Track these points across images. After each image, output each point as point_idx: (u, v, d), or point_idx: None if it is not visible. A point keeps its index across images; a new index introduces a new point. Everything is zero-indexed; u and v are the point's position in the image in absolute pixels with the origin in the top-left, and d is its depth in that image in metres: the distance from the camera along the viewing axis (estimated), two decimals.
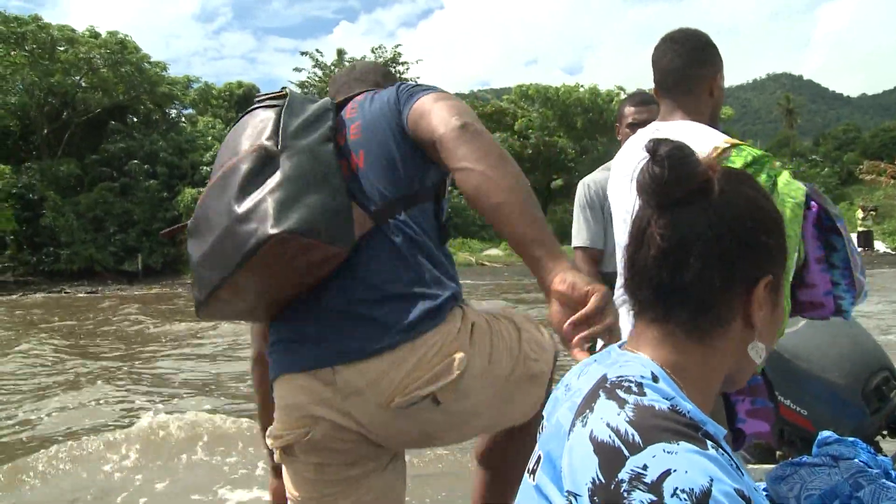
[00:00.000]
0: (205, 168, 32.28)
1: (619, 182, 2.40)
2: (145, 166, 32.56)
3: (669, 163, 0.94)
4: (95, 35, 34.56)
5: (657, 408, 0.86)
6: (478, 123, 1.49)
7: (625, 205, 2.31)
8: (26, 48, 32.85)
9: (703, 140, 2.07)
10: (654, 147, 0.96)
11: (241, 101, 46.07)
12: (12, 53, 32.78)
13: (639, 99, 3.17)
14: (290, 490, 1.61)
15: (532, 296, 17.08)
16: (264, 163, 1.45)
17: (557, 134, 38.28)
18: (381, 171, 1.57)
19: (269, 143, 1.47)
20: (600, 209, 3.17)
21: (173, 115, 39.56)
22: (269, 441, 1.58)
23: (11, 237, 31.12)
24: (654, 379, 0.92)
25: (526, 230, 1.36)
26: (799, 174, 43.76)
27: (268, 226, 1.35)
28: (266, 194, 1.40)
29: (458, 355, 1.47)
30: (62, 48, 33.32)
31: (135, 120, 35.15)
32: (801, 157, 52.42)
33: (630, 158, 2.35)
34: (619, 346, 1.06)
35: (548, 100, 38.45)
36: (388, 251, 1.52)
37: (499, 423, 1.66)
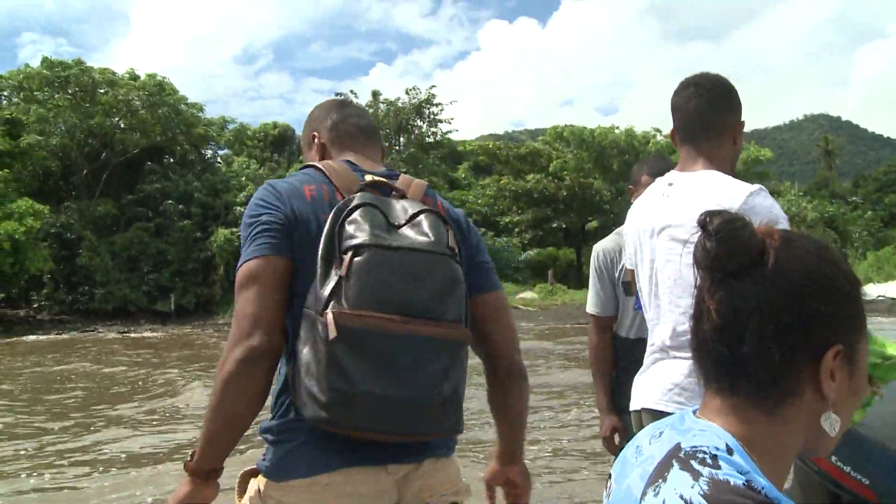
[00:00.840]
0: (238, 208, 32.54)
1: (633, 234, 2.32)
2: (180, 206, 32.93)
3: (720, 236, 0.93)
4: (135, 77, 35.28)
5: (732, 483, 0.84)
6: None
7: (639, 256, 2.26)
8: (69, 91, 33.65)
9: (727, 191, 1.98)
10: (706, 220, 0.96)
11: (276, 141, 46.71)
12: (56, 97, 33.61)
13: (658, 168, 3.11)
14: None
15: (568, 338, 16.84)
16: (461, 348, 1.63)
17: (593, 175, 38.13)
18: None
19: (467, 332, 1.65)
20: (609, 278, 3.23)
21: (209, 156, 40.11)
22: None
23: (48, 276, 31.53)
24: (729, 451, 0.90)
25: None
26: (840, 217, 43.17)
27: (459, 426, 1.65)
28: (459, 383, 1.63)
29: (465, 482, 1.74)
30: (103, 91, 34.03)
31: (171, 160, 35.62)
32: (840, 199, 51.70)
33: (646, 211, 2.25)
34: (694, 413, 1.03)
35: (583, 141, 38.38)
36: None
37: None
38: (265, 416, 1.65)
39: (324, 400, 1.46)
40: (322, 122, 1.95)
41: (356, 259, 1.48)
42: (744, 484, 0.84)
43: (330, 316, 1.44)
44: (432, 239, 1.56)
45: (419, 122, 35.28)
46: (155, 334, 26.16)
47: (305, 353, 1.50)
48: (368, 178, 1.71)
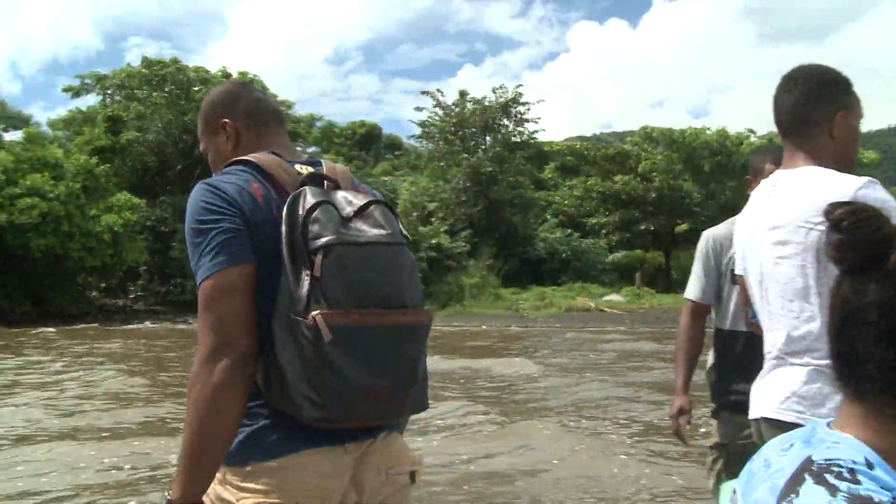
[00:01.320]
0: None
1: (740, 237, 2.26)
2: None
3: (843, 227, 0.91)
4: (227, 75, 36.31)
5: (876, 499, 0.79)
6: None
7: (748, 261, 2.19)
8: (165, 89, 34.92)
9: (833, 186, 1.90)
10: (830, 210, 0.94)
11: (363, 139, 47.39)
12: (154, 95, 34.97)
13: (780, 156, 3.02)
14: None
15: (659, 345, 16.56)
16: (426, 331, 1.73)
17: (683, 177, 37.33)
18: None
19: (430, 314, 1.75)
20: (716, 265, 3.17)
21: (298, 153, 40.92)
22: None
23: (144, 268, 32.73)
24: (869, 466, 0.85)
25: None
26: None
27: (425, 405, 1.75)
28: (424, 364, 1.73)
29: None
30: (196, 88, 35.15)
31: None
32: None
33: (752, 212, 2.19)
34: (828, 424, 0.98)
35: (673, 142, 37.60)
36: None
37: None
38: None
39: (320, 400, 1.50)
40: (231, 107, 1.90)
41: (326, 259, 1.50)
42: (891, 501, 0.80)
43: (320, 318, 1.47)
44: (389, 231, 1.61)
45: (505, 122, 35.20)
46: None
47: (287, 355, 1.51)
48: (301, 169, 1.72)
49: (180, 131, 36.05)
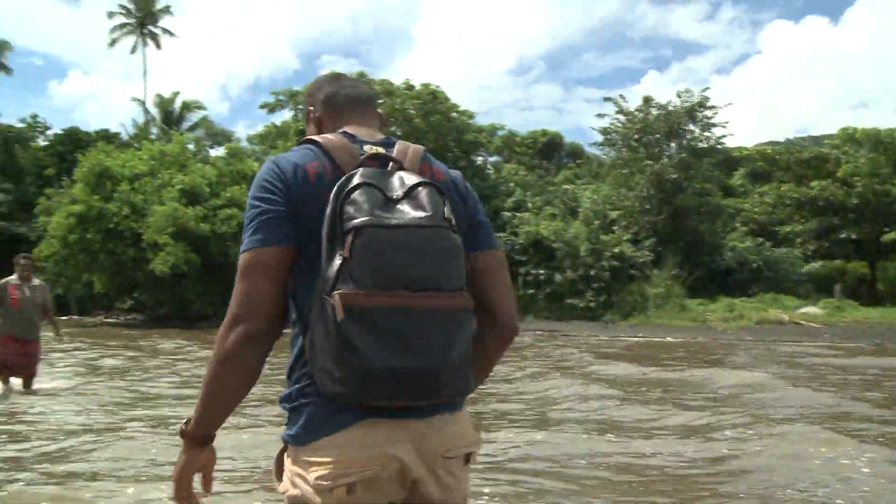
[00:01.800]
0: (505, 214, 33.48)
1: None
2: None
3: None
4: (410, 87, 37.50)
5: None
6: None
7: None
8: None
9: None
10: None
11: (545, 148, 47.42)
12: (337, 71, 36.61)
13: None
14: None
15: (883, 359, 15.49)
16: (466, 316, 1.72)
17: (891, 181, 34.63)
18: None
19: (469, 300, 1.73)
20: None
21: (479, 162, 41.60)
22: (325, 482, 1.64)
23: None
24: None
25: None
26: None
27: (468, 388, 1.76)
28: (466, 348, 1.72)
29: (479, 433, 1.85)
30: (381, 101, 36.50)
31: None
32: None
33: None
34: None
35: (879, 143, 34.98)
36: None
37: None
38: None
39: (339, 376, 1.56)
40: (316, 97, 2.01)
41: (357, 240, 1.56)
42: None
43: (337, 297, 1.54)
44: (429, 213, 1.63)
45: (691, 127, 34.08)
46: None
47: (318, 331, 1.60)
48: (368, 149, 1.78)
49: None
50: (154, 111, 55.98)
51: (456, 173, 1.95)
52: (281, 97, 39.39)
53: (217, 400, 1.72)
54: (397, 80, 38.03)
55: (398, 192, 1.65)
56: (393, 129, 37.12)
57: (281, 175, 1.72)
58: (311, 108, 2.02)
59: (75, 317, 36.36)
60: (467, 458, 1.80)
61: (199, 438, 1.78)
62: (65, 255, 30.83)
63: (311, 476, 1.65)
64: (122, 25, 57.33)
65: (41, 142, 50.14)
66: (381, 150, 1.79)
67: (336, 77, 2.07)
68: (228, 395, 1.72)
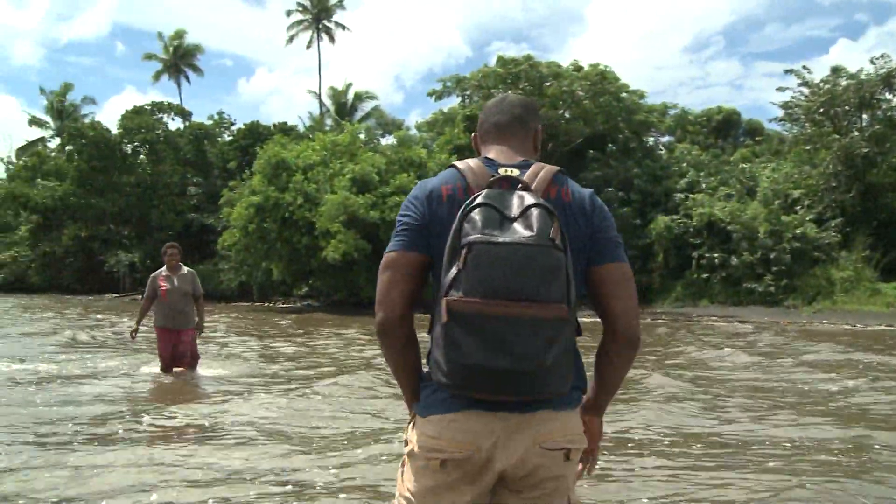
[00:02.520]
0: (677, 195, 32.36)
1: None
2: (620, 193, 33.64)
3: None
4: (578, 69, 36.95)
5: None
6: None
7: None
8: (520, 87, 36.50)
9: None
10: None
11: (720, 126, 45.39)
12: (508, 93, 36.78)
13: None
14: (407, 488, 2.09)
15: None
16: (562, 325, 1.90)
17: None
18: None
19: (566, 311, 1.89)
20: None
21: (650, 143, 40.44)
22: (425, 452, 2.02)
23: None
24: None
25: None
26: None
27: (561, 387, 1.95)
28: (561, 354, 1.89)
29: (584, 438, 2.11)
30: (548, 84, 36.24)
31: (613, 148, 36.62)
32: None
33: None
34: None
35: None
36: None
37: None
38: None
39: (445, 369, 1.87)
40: (479, 122, 2.35)
41: (469, 254, 1.84)
42: None
43: (443, 302, 1.85)
44: (535, 232, 1.86)
45: (888, 96, 31.43)
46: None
47: (436, 329, 1.92)
48: (502, 171, 2.06)
49: None
50: (328, 103, 58.44)
51: (586, 192, 2.14)
52: (448, 84, 39.88)
53: (392, 367, 2.17)
54: (568, 63, 37.55)
55: (515, 212, 1.91)
56: (561, 111, 36.83)
57: (420, 196, 2.10)
58: (474, 133, 2.37)
59: (256, 303, 38.66)
60: (567, 456, 2.03)
61: (410, 403, 2.21)
62: (245, 244, 32.85)
63: (419, 443, 2.04)
64: (299, 22, 60.03)
65: (227, 137, 53.52)
66: (514, 171, 2.06)
67: (496, 103, 2.35)
68: (392, 362, 2.15)
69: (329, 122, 53.88)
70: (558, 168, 2.11)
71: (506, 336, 1.81)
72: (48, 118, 65.83)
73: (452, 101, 41.18)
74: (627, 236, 32.65)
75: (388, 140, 45.83)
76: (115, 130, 50.01)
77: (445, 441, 1.99)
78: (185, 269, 10.04)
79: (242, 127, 51.40)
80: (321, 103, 58.27)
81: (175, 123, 54.64)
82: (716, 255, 29.53)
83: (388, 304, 2.04)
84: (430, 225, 2.05)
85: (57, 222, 51.98)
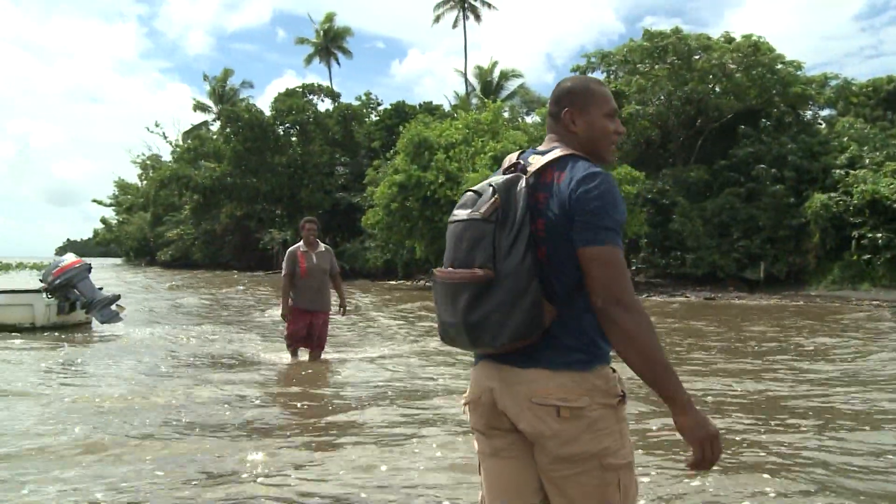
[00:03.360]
0: (837, 172, 30.54)
1: None
2: (773, 170, 32.06)
3: None
4: (730, 40, 35.41)
5: None
6: (631, 299, 2.11)
7: None
8: (667, 60, 35.44)
9: None
10: None
11: (890, 97, 42.37)
12: (656, 67, 35.85)
13: None
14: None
15: None
16: (486, 286, 2.13)
17: None
18: (560, 267, 2.17)
19: (488, 272, 2.13)
20: None
21: (808, 116, 38.30)
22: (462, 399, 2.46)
23: (645, 240, 33.81)
24: None
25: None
26: None
27: (496, 342, 2.15)
28: (490, 312, 2.13)
29: (585, 399, 2.17)
30: (697, 57, 34.96)
31: (767, 123, 34.94)
32: None
33: None
34: None
35: None
36: (565, 323, 2.19)
37: (573, 466, 2.19)
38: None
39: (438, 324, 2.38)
40: None
41: None
42: None
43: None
44: (470, 209, 2.22)
45: None
46: (743, 301, 26.17)
47: None
48: (531, 159, 2.29)
49: (682, 102, 36.31)
50: (474, 82, 58.70)
51: (577, 176, 2.17)
52: (593, 59, 39.19)
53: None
54: (719, 35, 36.05)
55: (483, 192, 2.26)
56: (711, 85, 35.48)
57: None
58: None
59: (401, 281, 39.59)
60: (559, 412, 2.17)
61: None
62: (388, 223, 33.54)
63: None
64: (445, 1, 60.44)
65: (374, 117, 54.84)
66: (534, 158, 2.29)
67: (553, 93, 2.50)
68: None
69: (475, 101, 54.11)
70: (567, 153, 2.25)
71: (447, 296, 2.23)
72: (211, 103, 69.72)
73: (598, 78, 40.44)
74: (780, 215, 31.19)
75: (533, 118, 45.63)
76: (268, 113, 52.29)
77: (469, 388, 2.40)
78: (323, 246, 9.47)
79: (389, 107, 52.51)
80: (467, 82, 58.62)
81: (325, 105, 56.57)
82: (879, 234, 27.71)
83: None
84: None
85: (215, 201, 55.09)
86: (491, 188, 2.19)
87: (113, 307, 12.82)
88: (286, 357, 9.72)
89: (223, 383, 8.04)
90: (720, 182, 34.27)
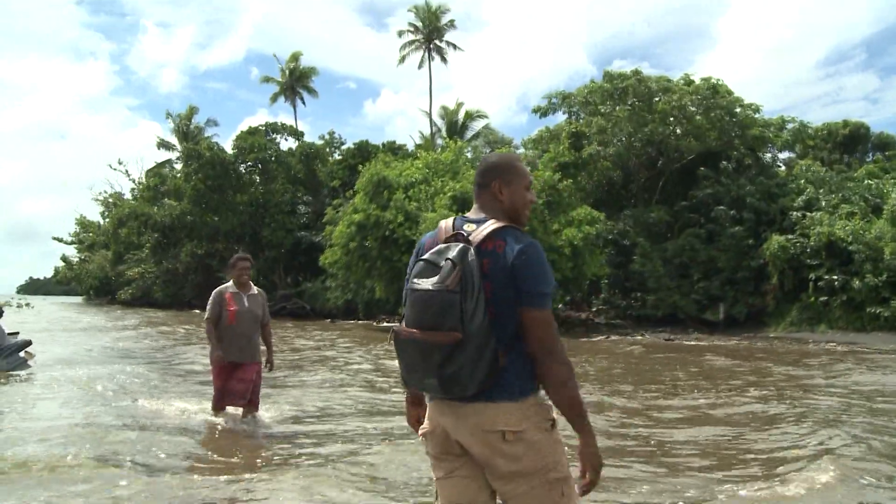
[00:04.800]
0: (794, 213, 30.74)
1: None
2: (731, 212, 32.23)
3: None
4: (689, 82, 35.78)
5: None
6: (561, 351, 2.70)
7: None
8: (628, 102, 35.67)
9: None
10: None
11: (846, 141, 43.05)
12: (616, 108, 36.07)
13: None
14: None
15: None
16: (457, 346, 2.56)
17: None
18: (505, 322, 2.67)
19: (457, 334, 2.56)
20: None
21: (767, 159, 38.66)
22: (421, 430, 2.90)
23: (605, 281, 33.70)
24: None
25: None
26: None
27: (466, 391, 2.63)
28: (462, 366, 2.58)
29: (525, 423, 2.69)
30: (657, 99, 35.22)
31: (727, 165, 35.18)
32: None
33: None
34: None
35: None
36: (506, 366, 2.68)
37: (523, 482, 2.71)
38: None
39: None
40: None
41: (406, 296, 2.73)
42: None
43: (392, 328, 2.74)
44: (437, 280, 2.60)
45: None
46: (700, 343, 26.00)
47: None
48: (467, 227, 2.79)
49: (643, 143, 36.50)
50: (440, 122, 58.81)
51: (517, 247, 2.69)
52: (553, 100, 39.38)
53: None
54: (697, 80, 36.29)
55: (441, 262, 2.64)
56: (672, 126, 35.72)
57: (418, 245, 2.93)
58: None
59: (361, 321, 39.08)
60: (503, 436, 2.66)
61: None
62: (347, 263, 33.07)
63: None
64: (411, 42, 60.64)
65: (337, 156, 54.63)
66: (471, 227, 2.78)
67: (480, 166, 3.01)
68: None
69: (440, 141, 54.13)
70: (502, 225, 2.75)
71: (413, 353, 2.64)
72: (175, 141, 69.04)
73: (559, 118, 40.68)
74: (739, 257, 31.29)
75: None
76: (230, 151, 51.91)
77: (425, 422, 2.88)
78: (256, 289, 8.37)
79: (352, 146, 52.35)
80: (431, 122, 58.71)
81: (288, 143, 56.28)
82: (836, 277, 27.81)
83: None
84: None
85: (175, 240, 54.34)
86: (450, 262, 2.61)
87: (21, 354, 12.48)
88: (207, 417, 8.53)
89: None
90: (681, 223, 34.41)
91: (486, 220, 2.76)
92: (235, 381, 8.10)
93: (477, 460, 2.73)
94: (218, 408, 8.36)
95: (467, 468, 2.77)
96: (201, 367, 13.98)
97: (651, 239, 33.85)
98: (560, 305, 34.56)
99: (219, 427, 8.17)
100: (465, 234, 2.70)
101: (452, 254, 2.61)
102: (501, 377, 2.64)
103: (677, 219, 34.66)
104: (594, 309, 34.88)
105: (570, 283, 31.37)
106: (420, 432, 2.89)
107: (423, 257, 2.69)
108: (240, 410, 8.36)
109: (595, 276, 30.94)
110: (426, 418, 2.86)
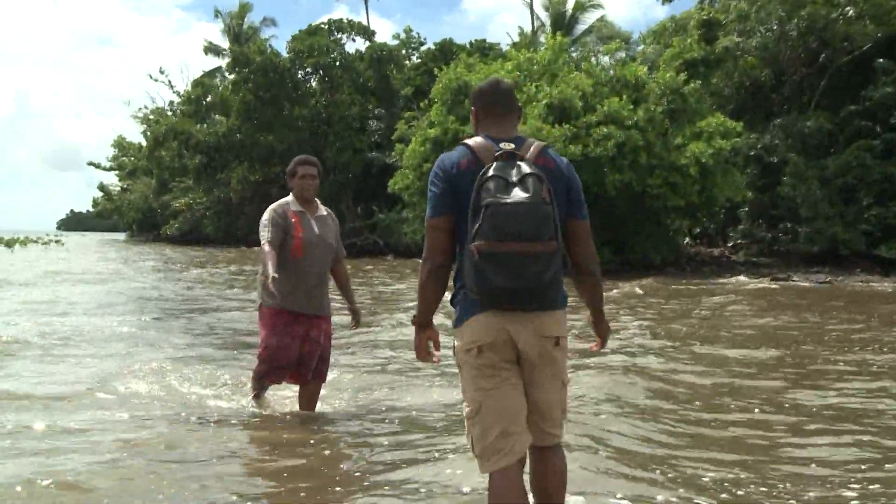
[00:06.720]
0: None
1: None
2: None
3: None
4: None
5: None
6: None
7: None
8: None
9: None
10: None
11: None
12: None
13: None
14: (471, 388, 3.61)
15: None
16: (553, 254, 3.40)
17: None
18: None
19: (556, 245, 3.42)
20: None
21: None
22: (464, 346, 3.61)
23: (745, 209, 31.96)
24: None
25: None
26: None
27: (555, 299, 3.62)
28: (555, 274, 3.46)
29: (565, 331, 3.67)
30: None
31: None
32: None
33: None
34: None
35: None
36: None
37: (554, 388, 3.70)
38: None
39: (477, 290, 3.42)
40: (477, 100, 3.87)
41: (486, 212, 3.34)
42: None
43: (473, 246, 3.35)
44: (530, 194, 3.36)
45: None
46: (871, 287, 24.17)
47: (466, 264, 3.46)
48: (504, 146, 3.56)
49: (799, 31, 34.08)
50: (543, 15, 56.93)
51: (563, 161, 3.77)
52: None
53: (423, 302, 3.72)
54: None
55: (515, 178, 3.40)
56: (839, 10, 33.21)
57: (443, 168, 3.64)
58: (473, 108, 3.88)
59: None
60: (557, 342, 3.60)
61: (421, 324, 3.79)
62: (420, 188, 32.18)
63: (462, 345, 3.61)
64: None
65: (415, 59, 53.63)
66: (510, 146, 3.56)
67: (490, 83, 3.90)
68: (429, 299, 3.72)
69: (543, 39, 52.41)
70: (544, 143, 3.72)
71: (518, 265, 3.33)
72: (226, 44, 69.00)
73: (688, 4, 38.60)
74: None
75: (606, 60, 43.81)
76: (285, 54, 51.47)
77: (478, 334, 3.55)
78: (324, 209, 6.80)
79: (432, 47, 51.21)
80: (533, 16, 56.85)
81: (356, 45, 55.51)
82: None
83: (433, 256, 3.62)
84: (457, 187, 3.56)
85: (223, 163, 54.66)
86: (535, 176, 3.41)
87: None
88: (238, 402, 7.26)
89: None
90: (848, 133, 32.09)
91: (523, 140, 3.67)
92: (296, 341, 6.56)
93: (528, 366, 3.59)
94: (264, 385, 6.91)
95: (516, 376, 3.58)
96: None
97: (807, 154, 31.70)
98: (687, 240, 33.08)
99: (265, 427, 6.67)
100: (519, 154, 3.54)
101: (529, 169, 3.43)
102: (559, 286, 3.58)
103: (843, 128, 32.31)
104: (730, 244, 33.28)
105: (699, 212, 29.85)
106: (475, 345, 3.55)
107: (491, 174, 3.41)
108: (285, 392, 7.16)
109: (731, 202, 29.56)
110: (480, 331, 3.54)
